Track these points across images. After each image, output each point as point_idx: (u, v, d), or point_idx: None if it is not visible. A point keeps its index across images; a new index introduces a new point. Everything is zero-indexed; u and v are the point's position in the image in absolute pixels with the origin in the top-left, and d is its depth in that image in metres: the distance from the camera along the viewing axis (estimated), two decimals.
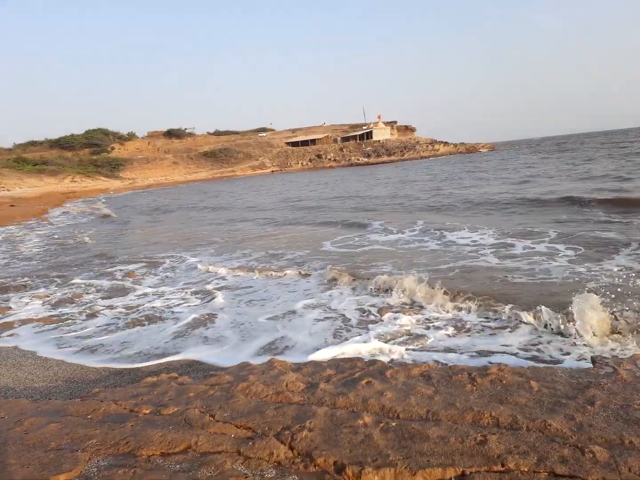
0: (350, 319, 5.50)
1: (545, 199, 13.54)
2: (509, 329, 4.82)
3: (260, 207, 20.71)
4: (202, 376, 3.83)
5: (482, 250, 8.40)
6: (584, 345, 4.25)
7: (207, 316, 6.05)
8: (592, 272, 6.46)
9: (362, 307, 5.90)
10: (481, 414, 2.58)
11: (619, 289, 5.26)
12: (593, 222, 9.90)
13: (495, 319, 5.13)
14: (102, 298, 7.27)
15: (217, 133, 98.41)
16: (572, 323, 4.51)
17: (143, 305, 6.78)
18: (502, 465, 2.12)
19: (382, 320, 5.35)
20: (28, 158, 64.81)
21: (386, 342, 4.63)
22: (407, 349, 4.43)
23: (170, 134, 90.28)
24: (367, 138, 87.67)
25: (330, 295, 6.53)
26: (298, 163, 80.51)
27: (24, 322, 6.20)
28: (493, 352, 4.29)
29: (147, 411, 2.95)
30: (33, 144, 79.44)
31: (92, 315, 6.39)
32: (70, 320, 6.21)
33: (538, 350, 4.26)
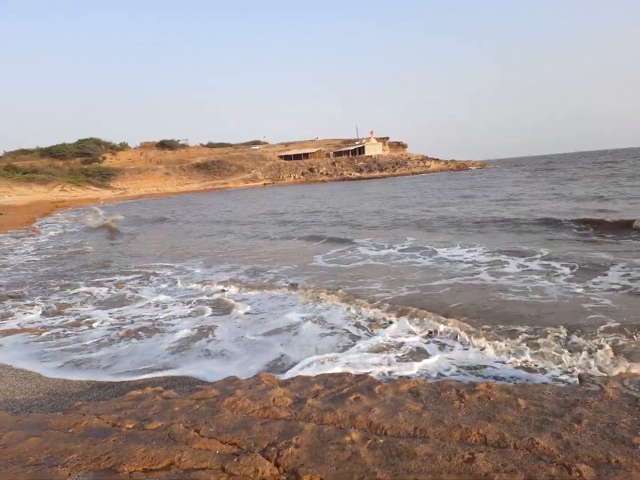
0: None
1: (527, 219, 13.63)
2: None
3: (250, 221, 20.63)
4: (188, 390, 3.76)
5: (477, 268, 8.44)
6: None
7: (203, 329, 5.97)
8: (590, 291, 6.52)
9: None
10: (469, 432, 2.56)
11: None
12: (579, 243, 10.03)
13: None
14: (92, 309, 7.18)
15: (210, 145, 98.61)
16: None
17: (135, 317, 6.69)
18: None
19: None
20: (18, 166, 64.26)
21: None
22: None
23: (163, 145, 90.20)
24: (360, 153, 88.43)
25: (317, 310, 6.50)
26: (290, 176, 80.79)
27: (8, 332, 6.08)
28: None
29: (131, 425, 2.89)
30: (24, 152, 78.87)
31: (79, 326, 6.29)
32: (56, 332, 6.10)
33: None
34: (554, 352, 4.51)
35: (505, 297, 6.49)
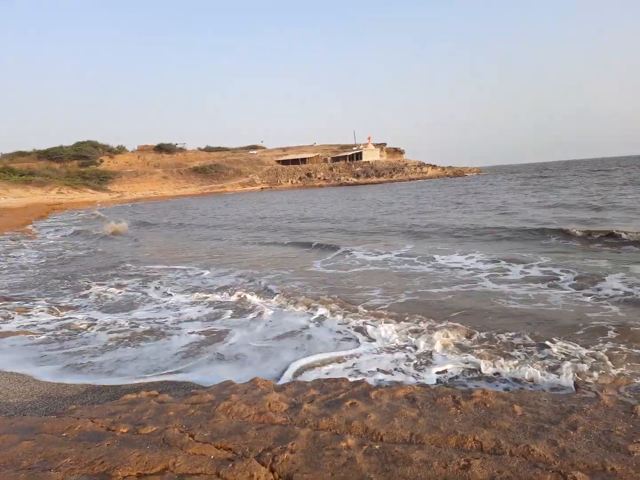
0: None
1: (524, 227, 13.59)
2: None
3: (247, 226, 20.58)
4: (183, 394, 3.74)
5: (479, 274, 8.44)
6: None
7: (213, 333, 5.95)
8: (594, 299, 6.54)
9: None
10: (465, 438, 2.56)
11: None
12: (570, 251, 10.06)
13: None
14: (93, 311, 7.15)
15: (208, 149, 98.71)
16: None
17: (139, 320, 6.66)
18: None
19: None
20: (15, 168, 64.05)
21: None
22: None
23: (161, 148, 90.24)
24: (357, 159, 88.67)
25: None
26: (288, 181, 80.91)
27: (5, 334, 6.03)
28: None
29: (125, 430, 2.87)
30: (21, 154, 78.73)
31: (77, 329, 6.26)
32: (56, 334, 6.06)
33: None
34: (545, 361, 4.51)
35: (507, 305, 6.49)
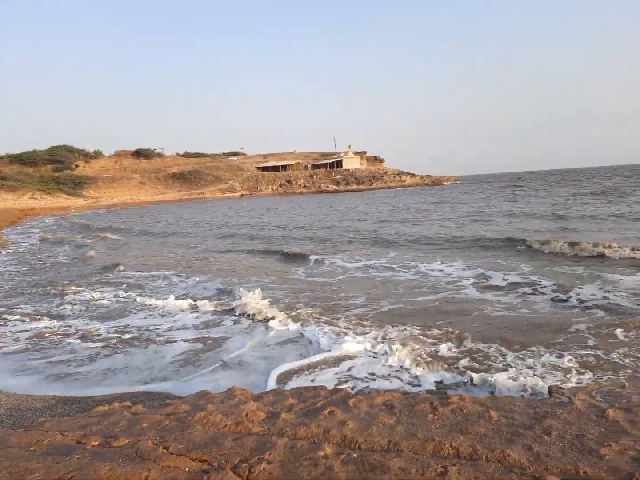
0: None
1: (491, 238, 13.58)
2: None
3: (226, 234, 20.36)
4: (158, 405, 3.66)
5: (461, 282, 8.54)
6: None
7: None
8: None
9: None
10: (442, 445, 2.57)
11: None
12: (537, 261, 10.26)
13: None
14: (68, 320, 6.94)
15: (187, 155, 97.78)
16: None
17: (118, 329, 6.50)
18: None
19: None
20: None
21: None
22: None
23: (139, 153, 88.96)
24: (337, 166, 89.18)
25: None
26: (268, 188, 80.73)
27: None
28: None
29: (96, 443, 2.79)
30: None
31: (52, 339, 6.07)
32: (33, 343, 5.87)
33: None
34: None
35: (487, 312, 6.58)
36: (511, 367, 4.58)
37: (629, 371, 4.34)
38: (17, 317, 7.16)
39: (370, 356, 5.03)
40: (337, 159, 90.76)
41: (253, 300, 7.20)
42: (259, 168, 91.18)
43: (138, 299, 8.23)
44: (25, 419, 3.82)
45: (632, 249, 9.68)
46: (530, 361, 4.67)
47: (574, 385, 3.96)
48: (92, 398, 4.29)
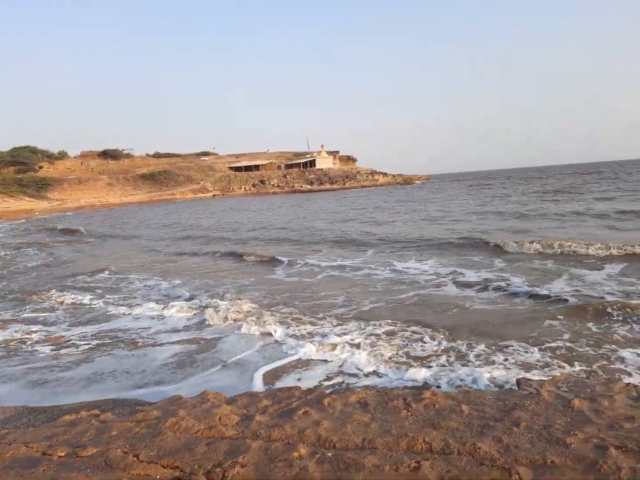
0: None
1: (460, 237, 13.63)
2: None
3: (196, 235, 19.99)
4: (128, 412, 3.57)
5: (437, 279, 8.66)
6: None
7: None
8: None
9: None
10: (415, 440, 2.60)
11: None
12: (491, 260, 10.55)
13: None
14: (39, 325, 6.68)
15: (157, 155, 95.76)
16: None
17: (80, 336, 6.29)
18: None
19: None
20: None
21: None
22: None
23: (106, 154, 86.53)
24: (311, 166, 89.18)
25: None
26: (241, 188, 79.98)
27: None
28: None
29: (63, 453, 2.69)
30: None
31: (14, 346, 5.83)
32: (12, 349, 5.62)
33: None
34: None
35: (459, 307, 6.71)
36: (484, 361, 4.69)
37: (594, 361, 4.51)
38: None
39: (348, 355, 5.05)
40: (310, 159, 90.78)
41: (230, 304, 7.13)
42: (231, 168, 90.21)
43: (110, 305, 8.02)
44: None
45: (594, 247, 10.06)
46: (502, 355, 4.79)
47: (542, 377, 4.08)
48: (58, 407, 4.15)
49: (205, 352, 5.47)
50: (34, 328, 6.68)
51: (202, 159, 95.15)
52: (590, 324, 5.56)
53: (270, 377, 4.63)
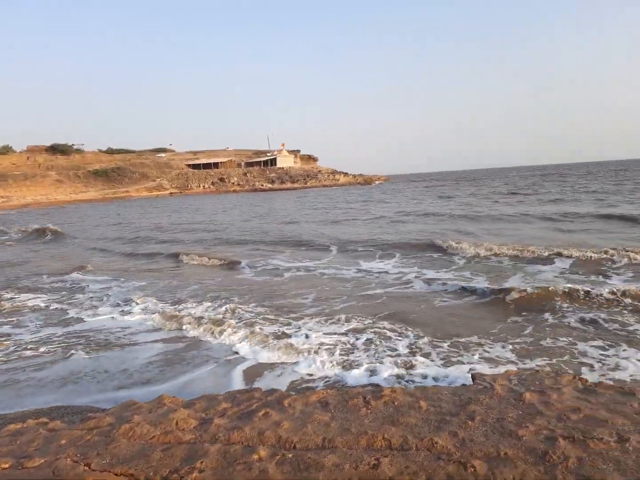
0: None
1: (418, 238, 13.82)
2: None
3: (149, 237, 19.27)
4: (79, 420, 3.40)
5: (403, 277, 8.76)
6: None
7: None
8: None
9: None
10: (375, 437, 2.62)
11: None
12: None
13: None
14: None
15: (110, 151, 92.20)
16: None
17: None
18: None
19: None
20: None
21: None
22: None
23: (54, 149, 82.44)
24: (271, 165, 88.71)
25: None
26: (200, 186, 78.40)
27: None
28: None
29: (6, 465, 2.53)
30: None
31: None
32: None
33: None
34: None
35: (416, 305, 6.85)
36: (444, 356, 4.81)
37: (546, 354, 4.73)
38: None
39: (312, 355, 5.04)
40: (271, 157, 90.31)
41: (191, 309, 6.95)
42: (189, 165, 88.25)
43: (62, 309, 7.65)
44: None
45: (546, 247, 10.57)
46: (462, 350, 4.94)
47: (495, 371, 4.24)
48: (4, 416, 3.91)
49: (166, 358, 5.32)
50: None
51: (158, 155, 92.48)
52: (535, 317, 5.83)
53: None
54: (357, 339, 5.42)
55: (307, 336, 5.62)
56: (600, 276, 7.98)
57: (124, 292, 8.46)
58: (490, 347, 4.98)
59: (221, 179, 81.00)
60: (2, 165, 73.26)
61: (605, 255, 9.19)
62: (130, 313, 7.01)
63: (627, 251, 9.15)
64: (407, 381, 4.29)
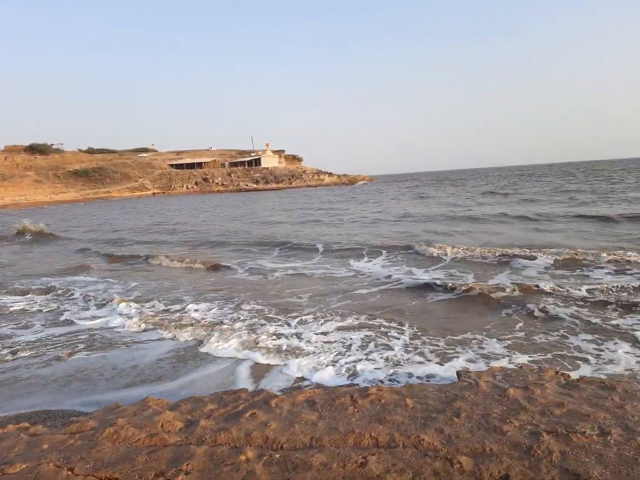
0: None
1: (403, 238, 13.80)
2: None
3: (130, 239, 19.00)
4: (61, 424, 3.34)
5: (392, 275, 8.80)
6: None
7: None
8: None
9: None
10: (362, 436, 2.63)
11: None
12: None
13: None
14: None
15: (91, 151, 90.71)
16: None
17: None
18: None
19: None
20: None
21: None
22: None
23: (33, 149, 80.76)
24: (256, 165, 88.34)
25: None
26: (183, 186, 77.64)
27: None
28: None
29: None
30: None
31: None
32: None
33: None
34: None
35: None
36: (435, 353, 4.83)
37: (531, 351, 4.79)
38: None
39: (311, 355, 5.02)
40: (256, 157, 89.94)
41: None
42: (172, 165, 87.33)
43: (46, 310, 7.48)
44: None
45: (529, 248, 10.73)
46: (453, 346, 4.98)
47: (480, 368, 4.28)
48: None
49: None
50: None
51: (140, 155, 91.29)
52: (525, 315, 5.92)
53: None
54: (351, 338, 5.43)
55: (302, 336, 5.60)
56: (584, 270, 8.19)
57: (110, 294, 8.32)
58: (487, 344, 5.02)
59: (205, 179, 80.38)
60: None
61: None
62: (116, 315, 6.90)
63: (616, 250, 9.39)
64: (393, 380, 4.31)
